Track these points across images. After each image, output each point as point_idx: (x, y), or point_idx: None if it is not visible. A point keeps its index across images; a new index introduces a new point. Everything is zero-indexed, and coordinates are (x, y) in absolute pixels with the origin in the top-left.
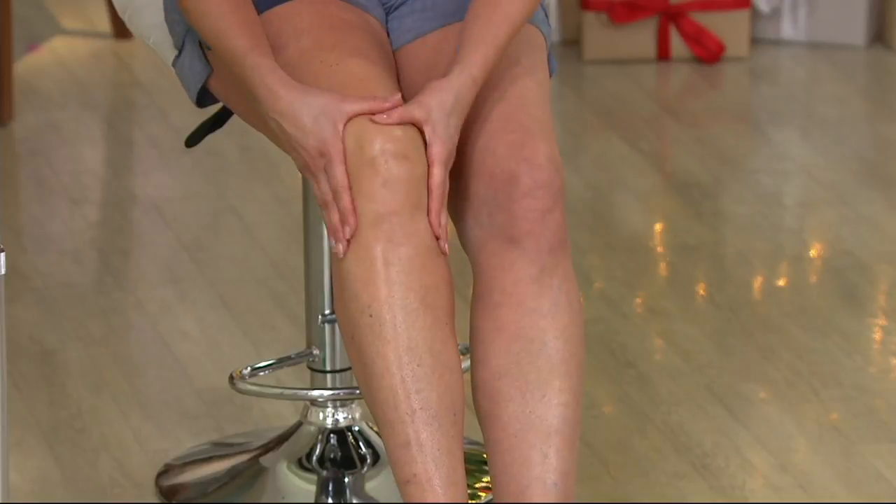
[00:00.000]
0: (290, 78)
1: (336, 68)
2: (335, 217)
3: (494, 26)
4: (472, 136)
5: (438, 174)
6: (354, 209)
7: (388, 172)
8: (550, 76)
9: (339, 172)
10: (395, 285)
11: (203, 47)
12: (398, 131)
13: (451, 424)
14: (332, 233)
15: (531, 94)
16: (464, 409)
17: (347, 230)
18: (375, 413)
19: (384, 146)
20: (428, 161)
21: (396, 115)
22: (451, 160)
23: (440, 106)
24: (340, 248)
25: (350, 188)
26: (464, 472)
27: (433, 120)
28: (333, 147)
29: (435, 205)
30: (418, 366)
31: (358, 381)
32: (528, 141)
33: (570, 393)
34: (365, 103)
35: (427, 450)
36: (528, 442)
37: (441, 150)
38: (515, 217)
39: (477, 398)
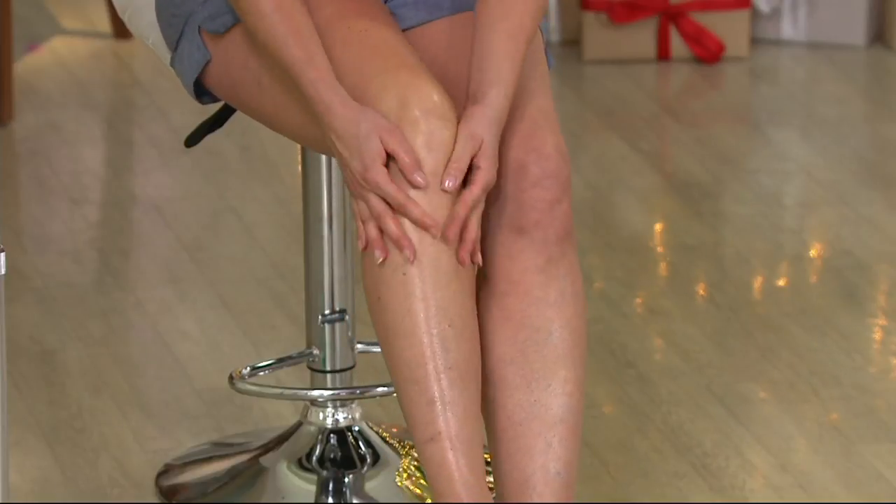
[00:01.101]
0: (348, 94)
1: (366, 34)
2: (391, 227)
3: (514, 40)
4: None
5: (476, 192)
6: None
7: (431, 134)
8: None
9: (392, 190)
10: (429, 247)
11: (202, 35)
12: (436, 97)
13: (474, 389)
14: (373, 243)
15: (535, 85)
16: (481, 381)
17: (407, 252)
18: (400, 373)
19: (425, 107)
20: (472, 181)
21: (456, 168)
22: (492, 183)
23: (488, 129)
24: (378, 255)
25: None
26: (483, 437)
27: (485, 145)
28: (377, 173)
29: (461, 215)
30: (449, 326)
31: (381, 343)
32: (536, 131)
33: (575, 383)
34: (410, 166)
35: (451, 409)
36: (532, 431)
37: (487, 172)
38: (524, 207)
39: (482, 386)
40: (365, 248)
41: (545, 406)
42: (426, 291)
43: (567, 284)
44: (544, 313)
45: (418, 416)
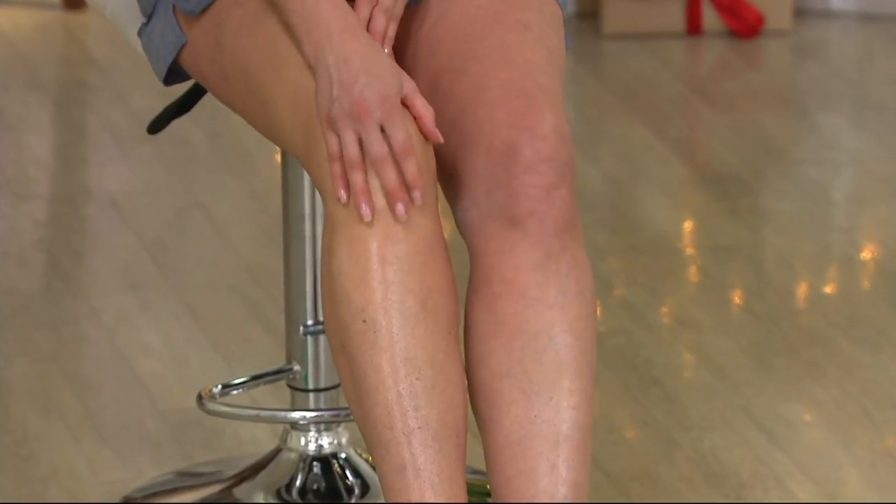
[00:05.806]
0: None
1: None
2: (360, 179)
3: None
4: (470, 104)
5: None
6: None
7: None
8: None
9: (407, 128)
10: (392, 286)
11: (178, 15)
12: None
13: (452, 447)
14: (389, 194)
15: (540, 60)
16: (466, 431)
17: (417, 194)
18: (367, 433)
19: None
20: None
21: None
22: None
23: None
24: (400, 208)
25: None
26: (465, 501)
27: None
28: (396, 106)
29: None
30: (417, 379)
31: (347, 397)
32: (531, 109)
33: (581, 394)
34: (423, 107)
35: (425, 475)
36: (533, 450)
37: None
38: (516, 195)
39: (475, 402)
40: (348, 199)
41: (547, 422)
42: (391, 340)
43: (570, 282)
44: (543, 316)
45: (389, 484)
